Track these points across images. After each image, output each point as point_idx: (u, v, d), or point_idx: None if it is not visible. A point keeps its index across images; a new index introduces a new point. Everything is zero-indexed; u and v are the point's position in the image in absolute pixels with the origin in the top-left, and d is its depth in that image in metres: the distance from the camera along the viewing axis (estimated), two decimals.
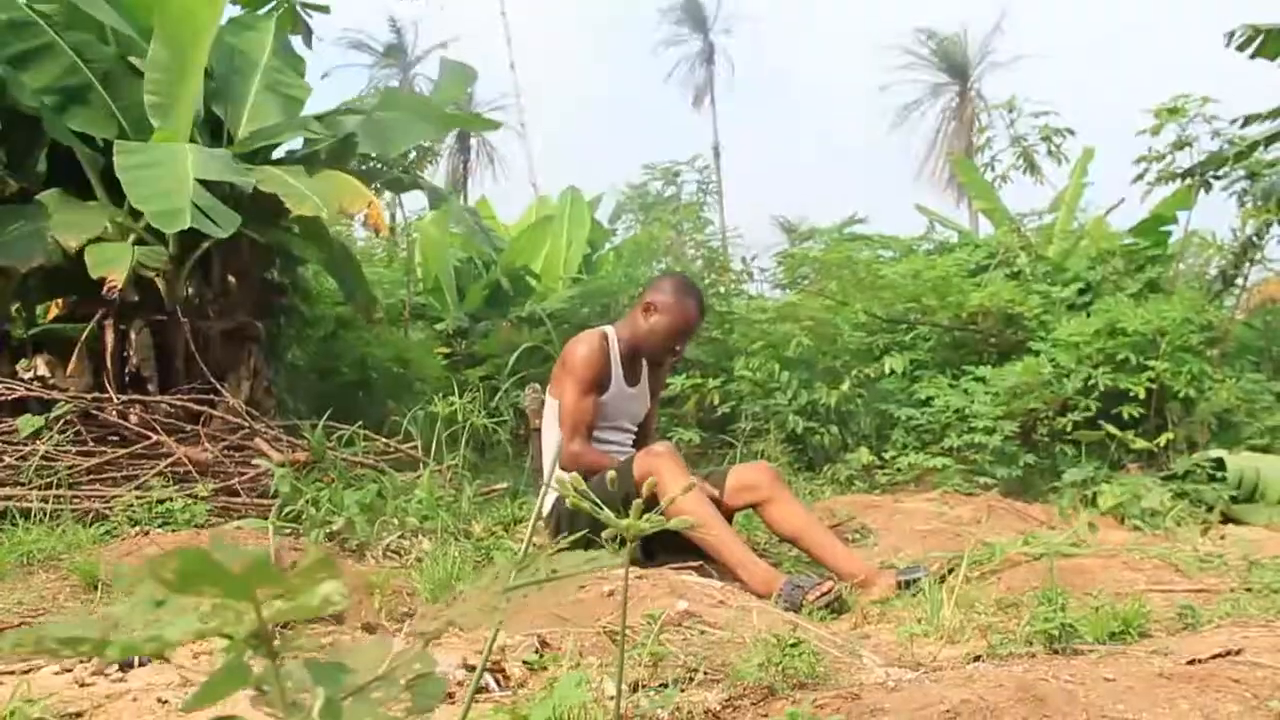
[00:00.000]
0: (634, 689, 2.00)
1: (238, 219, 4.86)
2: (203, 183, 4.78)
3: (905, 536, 4.77)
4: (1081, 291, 7.96)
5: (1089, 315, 7.23)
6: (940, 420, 7.00)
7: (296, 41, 6.68)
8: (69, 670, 2.25)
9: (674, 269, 8.74)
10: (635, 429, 4.46)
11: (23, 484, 4.31)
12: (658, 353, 4.32)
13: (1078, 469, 6.05)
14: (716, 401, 7.44)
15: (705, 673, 2.17)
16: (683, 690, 2.06)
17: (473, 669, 2.18)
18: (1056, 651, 2.47)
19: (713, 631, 2.58)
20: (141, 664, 2.31)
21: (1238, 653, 2.44)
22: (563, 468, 4.04)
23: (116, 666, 2.28)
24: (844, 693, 2.03)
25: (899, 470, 6.60)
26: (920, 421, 7.11)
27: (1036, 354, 7.12)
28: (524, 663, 2.32)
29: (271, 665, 0.68)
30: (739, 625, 2.63)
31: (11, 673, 2.27)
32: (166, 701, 2.00)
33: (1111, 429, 6.47)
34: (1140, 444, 6.30)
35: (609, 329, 4.37)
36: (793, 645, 2.12)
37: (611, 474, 1.75)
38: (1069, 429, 6.70)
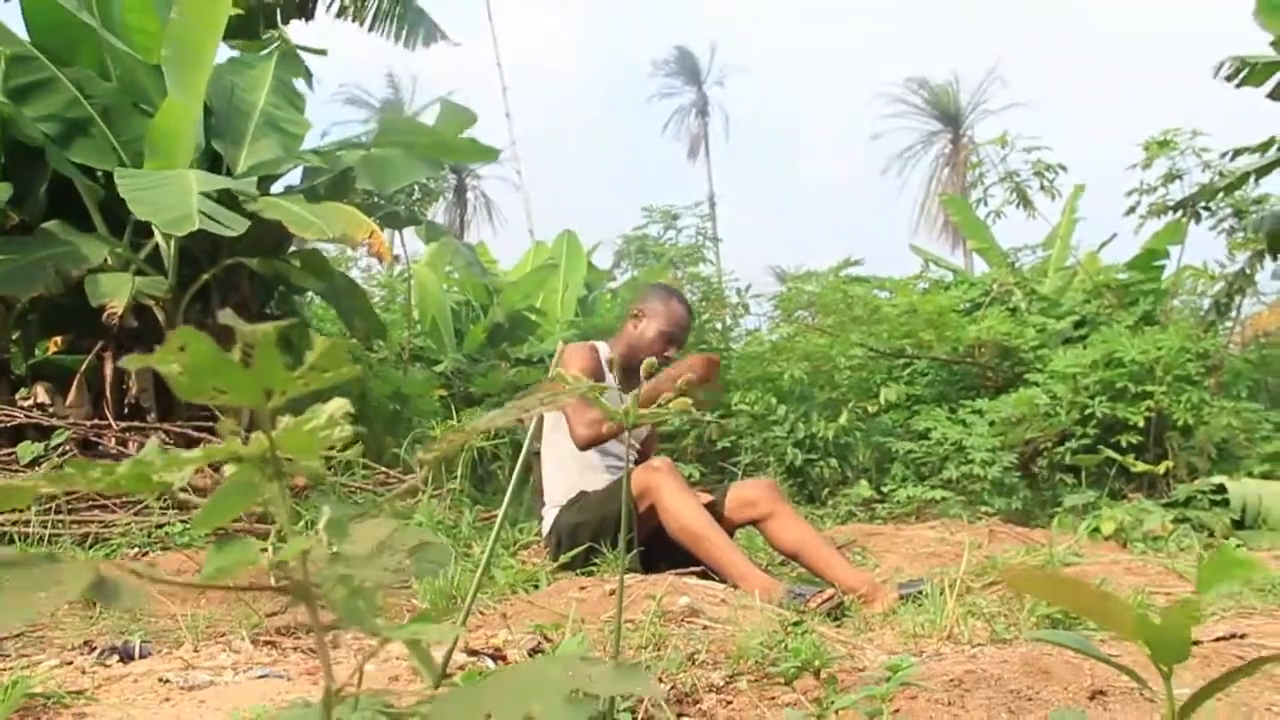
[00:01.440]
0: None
1: (246, 222, 4.87)
2: (211, 195, 4.83)
3: (907, 558, 4.74)
4: (1077, 325, 8.01)
5: (1085, 347, 7.27)
6: (938, 453, 7.00)
7: (298, 80, 6.76)
8: (70, 662, 2.24)
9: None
10: (638, 446, 4.45)
11: (23, 509, 4.30)
12: (652, 357, 4.31)
13: (1078, 494, 6.05)
14: (715, 437, 7.44)
15: (708, 654, 2.16)
16: (685, 670, 2.05)
17: (475, 654, 2.17)
18: None
19: (715, 626, 2.57)
20: (143, 655, 2.30)
21: (1242, 637, 2.44)
22: (584, 447, 4.02)
23: (118, 657, 2.27)
24: (848, 669, 2.02)
25: (898, 503, 6.59)
26: (919, 454, 7.11)
27: (1034, 385, 7.14)
28: (528, 653, 2.31)
29: (278, 484, 0.69)
30: (740, 621, 2.62)
31: (10, 668, 2.25)
32: (168, 681, 1.99)
33: (1111, 453, 6.47)
34: (1141, 467, 6.30)
35: (599, 344, 4.40)
36: (794, 624, 2.11)
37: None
38: (1067, 458, 6.70)
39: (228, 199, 4.97)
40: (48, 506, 4.32)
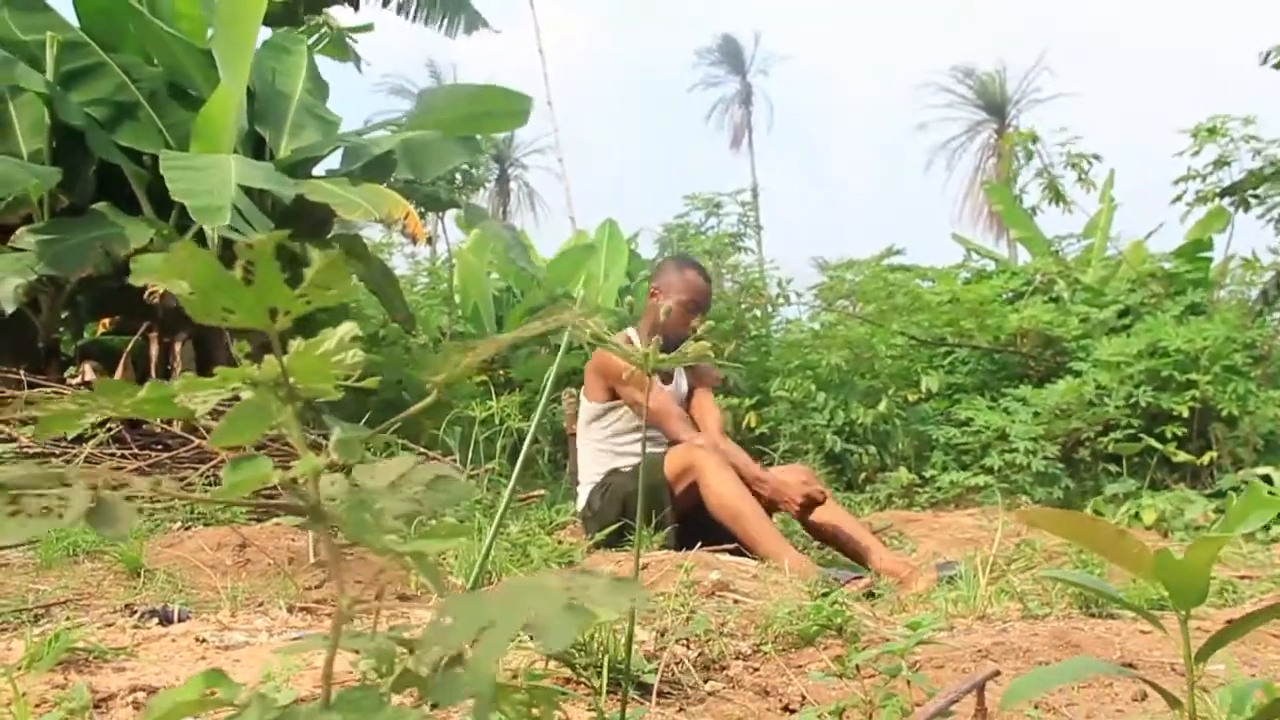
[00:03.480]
0: (661, 634, 2.00)
1: (271, 225, 4.94)
2: (247, 191, 4.88)
3: (945, 543, 4.73)
4: (1121, 315, 7.92)
5: (1129, 336, 7.19)
6: (980, 440, 6.96)
7: (322, 68, 6.82)
8: (111, 624, 2.29)
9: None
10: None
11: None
12: (679, 332, 4.27)
13: (1119, 483, 5.99)
14: (754, 424, 7.44)
15: (736, 625, 2.17)
16: (713, 639, 2.06)
17: None
18: (1093, 614, 2.44)
19: (745, 600, 2.58)
20: (181, 619, 2.34)
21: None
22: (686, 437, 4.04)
23: (157, 620, 2.32)
24: (875, 639, 2.02)
25: (939, 489, 6.56)
26: (960, 440, 7.07)
27: (1077, 374, 7.08)
28: None
29: (291, 408, 0.70)
30: (771, 595, 2.62)
31: (56, 629, 2.30)
32: (204, 640, 2.03)
33: (1154, 443, 6.40)
34: (1183, 456, 6.23)
35: (628, 330, 4.41)
36: (823, 594, 2.11)
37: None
38: (1110, 447, 6.64)
39: (273, 181, 5.02)
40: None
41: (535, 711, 0.83)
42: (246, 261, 0.66)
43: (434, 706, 0.95)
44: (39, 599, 2.99)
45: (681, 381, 4.44)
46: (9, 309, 5.08)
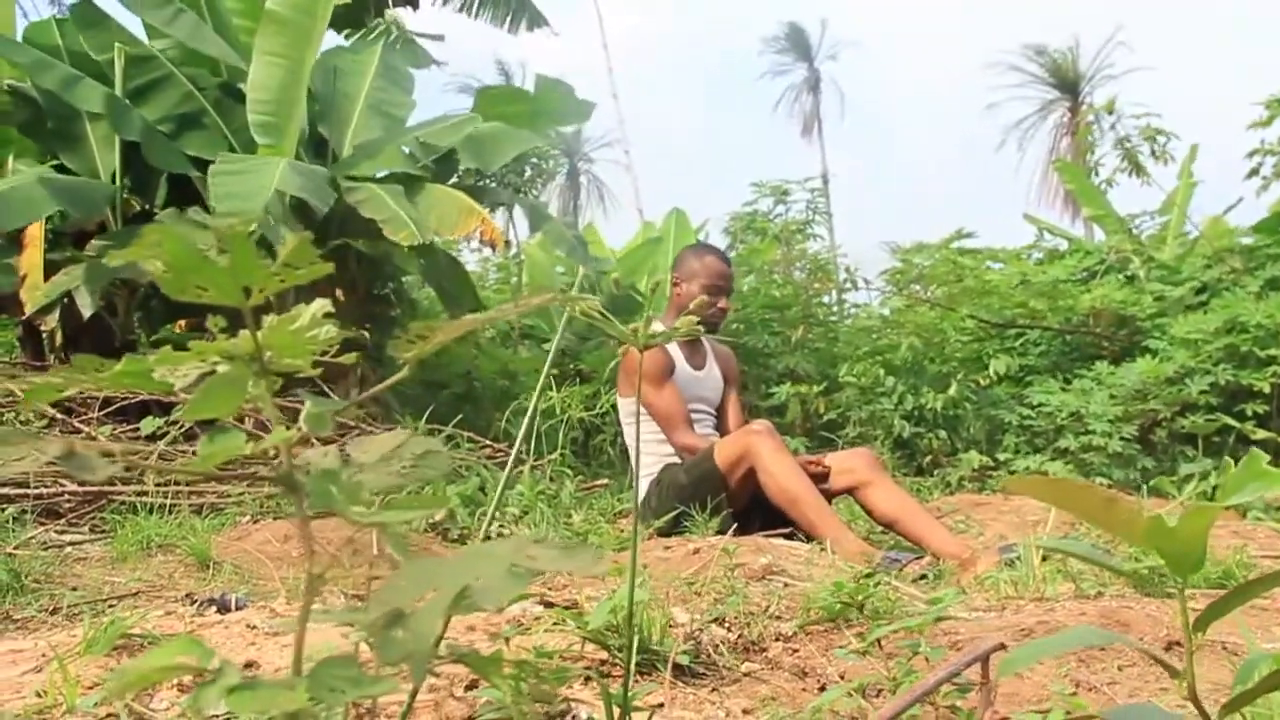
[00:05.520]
0: (693, 615, 2.01)
1: (309, 236, 5.02)
2: (287, 198, 4.98)
3: (1012, 527, 4.65)
4: (1198, 291, 7.73)
5: (1207, 313, 7.02)
6: (1053, 421, 6.85)
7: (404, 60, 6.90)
8: (171, 613, 2.36)
9: (775, 278, 8.74)
10: (713, 413, 4.46)
11: (144, 480, 4.51)
12: (705, 317, 4.26)
13: (1195, 463, 5.86)
14: (821, 410, 7.40)
15: (781, 608, 2.16)
16: (755, 621, 2.06)
17: (550, 605, 2.21)
18: (1148, 594, 2.40)
19: (795, 583, 2.57)
20: (239, 607, 2.41)
21: None
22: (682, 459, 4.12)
23: (215, 608, 2.39)
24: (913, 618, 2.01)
25: (1013, 473, 6.47)
26: (1033, 422, 6.97)
27: (1153, 353, 6.93)
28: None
29: (265, 382, 0.72)
30: (820, 579, 2.61)
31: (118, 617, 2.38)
32: (255, 627, 2.09)
33: (1231, 421, 6.25)
34: (1262, 434, 6.06)
35: (656, 322, 4.41)
36: (867, 576, 2.10)
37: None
38: (1188, 427, 6.49)
39: (312, 190, 5.10)
40: (167, 479, 4.53)
41: (524, 687, 0.85)
42: (220, 241, 0.68)
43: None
44: (113, 590, 3.10)
45: (715, 371, 4.44)
46: (87, 312, 5.25)
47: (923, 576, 3.34)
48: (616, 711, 1.11)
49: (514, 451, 1.29)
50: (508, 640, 1.74)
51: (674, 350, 4.28)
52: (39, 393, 0.80)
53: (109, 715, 1.52)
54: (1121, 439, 6.48)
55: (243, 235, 0.66)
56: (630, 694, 1.15)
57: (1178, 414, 6.64)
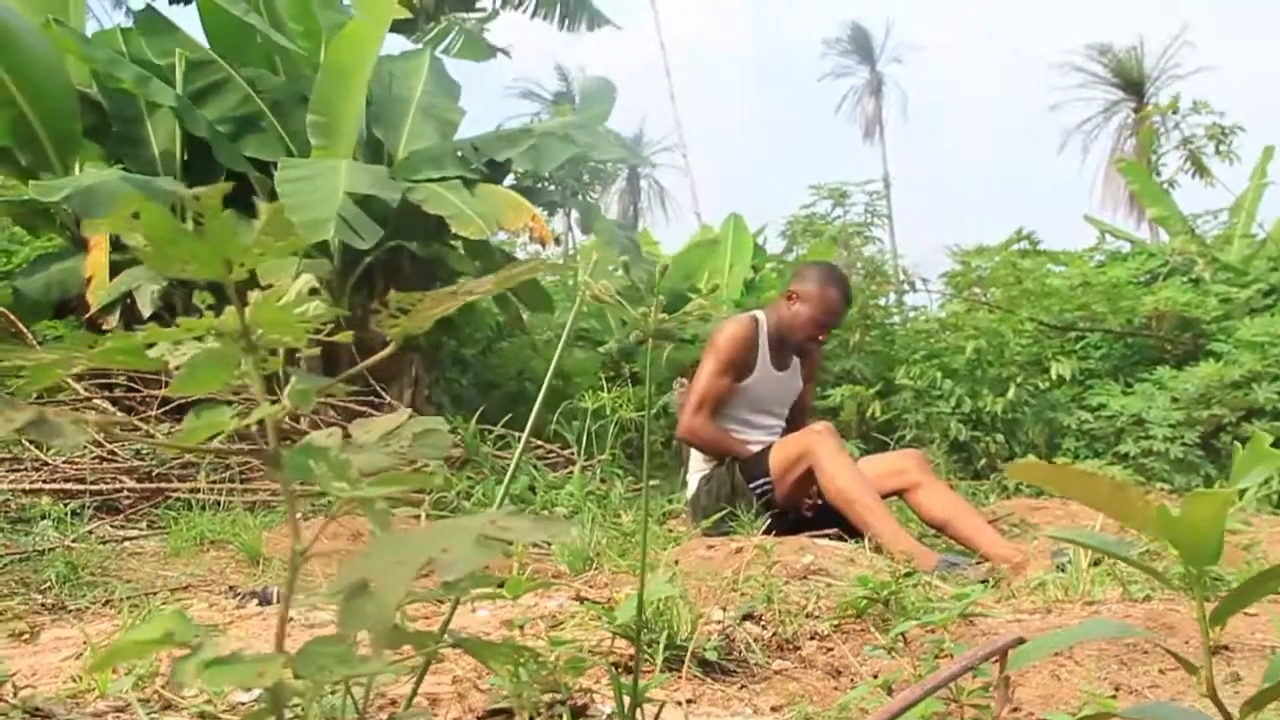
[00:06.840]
0: (724, 610, 1.99)
1: (380, 232, 5.08)
2: (356, 199, 5.02)
3: (1068, 532, 4.57)
4: (1265, 294, 7.55)
5: (1273, 316, 6.86)
6: (1114, 425, 6.73)
7: (450, 68, 6.95)
8: (214, 605, 2.39)
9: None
10: (785, 415, 4.42)
11: (196, 479, 4.58)
12: (801, 341, 4.26)
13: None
14: (878, 413, 7.32)
15: (820, 607, 2.14)
16: (791, 620, 2.03)
17: (583, 601, 2.21)
18: (1205, 599, 2.32)
19: (837, 583, 2.54)
20: (279, 600, 2.44)
21: None
22: (680, 439, 4.08)
23: (256, 601, 2.42)
24: (957, 620, 1.97)
25: None
26: (1093, 426, 6.84)
27: (1217, 357, 6.78)
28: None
29: (252, 357, 0.72)
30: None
31: (164, 609, 2.41)
32: (291, 619, 2.11)
33: None
34: None
35: (759, 313, 4.34)
36: (906, 575, 2.07)
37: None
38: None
39: (380, 186, 5.15)
40: (221, 477, 4.60)
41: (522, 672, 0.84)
42: (197, 214, 0.68)
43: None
44: (164, 584, 3.15)
45: (798, 375, 4.38)
46: (147, 312, 5.35)
47: (984, 582, 3.28)
48: (627, 701, 1.10)
49: (515, 452, 1.27)
50: (522, 628, 1.73)
51: (762, 348, 4.23)
52: (39, 374, 0.80)
53: (139, 699, 1.54)
54: (1183, 444, 6.35)
55: (219, 208, 0.66)
56: (643, 686, 1.13)
57: (1243, 419, 6.49)
